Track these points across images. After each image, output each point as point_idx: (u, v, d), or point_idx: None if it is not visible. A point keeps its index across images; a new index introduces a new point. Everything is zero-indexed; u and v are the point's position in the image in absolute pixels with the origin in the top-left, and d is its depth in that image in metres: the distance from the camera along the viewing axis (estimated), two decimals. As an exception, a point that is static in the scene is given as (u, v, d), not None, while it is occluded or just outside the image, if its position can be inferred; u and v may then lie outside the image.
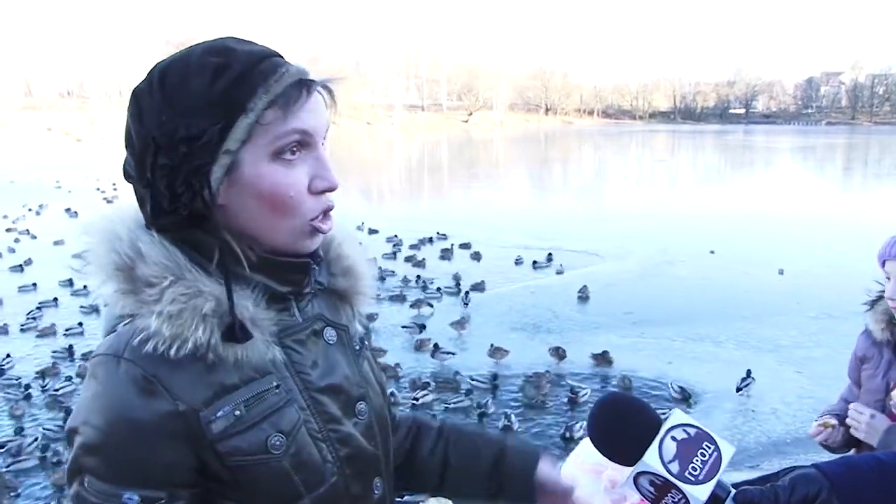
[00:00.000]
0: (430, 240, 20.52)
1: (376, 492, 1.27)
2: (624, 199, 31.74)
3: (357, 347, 1.29)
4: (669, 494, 1.01)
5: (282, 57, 1.10)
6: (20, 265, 17.99)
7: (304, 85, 1.07)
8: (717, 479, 1.01)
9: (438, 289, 15.64)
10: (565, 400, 10.00)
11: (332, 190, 1.13)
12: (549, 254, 18.34)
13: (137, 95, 1.07)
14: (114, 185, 33.08)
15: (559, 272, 17.32)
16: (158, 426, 1.02)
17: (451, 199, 32.70)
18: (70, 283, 15.47)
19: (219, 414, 1.05)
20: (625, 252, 19.31)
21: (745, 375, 10.16)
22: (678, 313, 13.92)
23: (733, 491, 1.03)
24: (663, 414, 1.08)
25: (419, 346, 11.96)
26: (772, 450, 8.78)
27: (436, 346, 11.68)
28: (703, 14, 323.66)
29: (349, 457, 1.19)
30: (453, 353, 11.56)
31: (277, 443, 1.09)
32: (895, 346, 2.43)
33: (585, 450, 1.49)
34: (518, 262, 18.00)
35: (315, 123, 1.09)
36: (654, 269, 17.72)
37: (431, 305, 14.17)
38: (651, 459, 1.02)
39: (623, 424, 1.07)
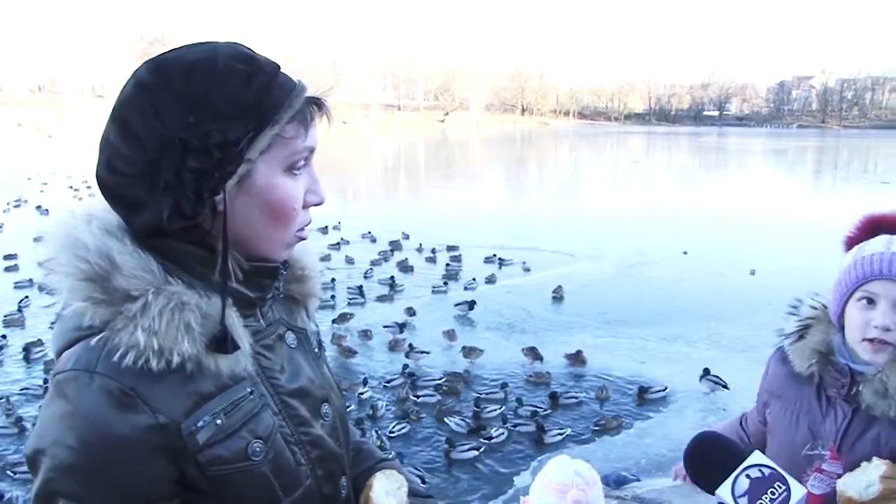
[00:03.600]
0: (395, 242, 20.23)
1: (343, 491, 1.28)
2: (599, 200, 31.93)
3: (316, 350, 1.31)
4: None
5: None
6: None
7: (314, 103, 1.10)
8: None
9: (473, 280, 15.90)
10: (547, 402, 10.03)
11: (320, 205, 1.17)
12: (500, 258, 18.33)
13: (148, 89, 1.02)
14: (85, 182, 32.62)
15: (526, 269, 17.43)
16: (139, 441, 0.98)
17: (427, 199, 32.68)
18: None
19: (199, 424, 1.03)
20: (599, 253, 19.42)
21: (705, 375, 10.32)
22: (652, 313, 14.03)
23: None
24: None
25: (394, 346, 11.95)
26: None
27: (410, 345, 11.69)
28: (678, 17, 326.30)
29: (320, 458, 1.21)
30: (428, 352, 11.56)
31: (258, 449, 1.09)
32: (820, 388, 1.92)
33: (553, 469, 1.53)
34: (489, 261, 18.04)
35: (317, 141, 1.13)
36: (629, 269, 17.85)
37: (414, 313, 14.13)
38: (723, 493, 1.20)
39: (709, 460, 1.28)
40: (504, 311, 14.22)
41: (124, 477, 0.98)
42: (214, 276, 1.07)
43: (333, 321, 12.87)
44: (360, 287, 15.32)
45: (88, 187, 31.16)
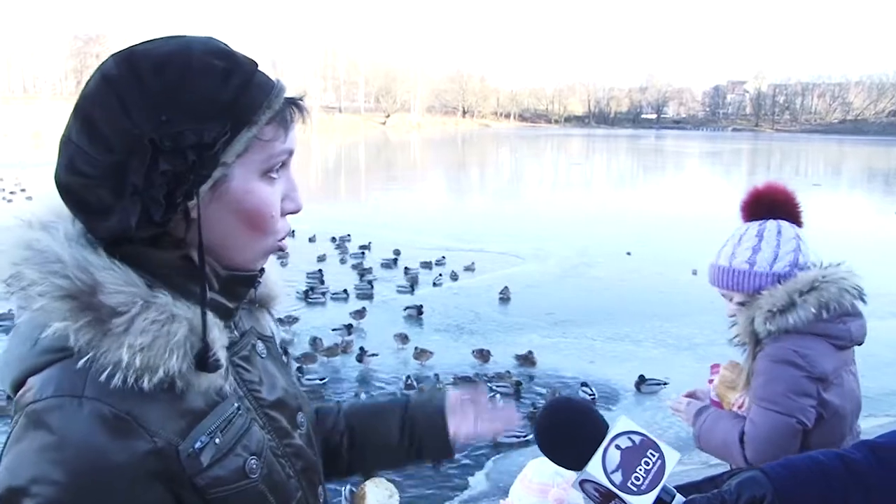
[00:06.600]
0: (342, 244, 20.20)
1: (321, 500, 1.23)
2: (542, 202, 32.20)
3: (283, 357, 1.25)
4: (613, 502, 1.01)
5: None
6: None
7: (293, 104, 1.02)
8: (660, 487, 1.01)
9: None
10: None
11: (297, 212, 1.08)
12: (442, 256, 18.47)
13: (115, 83, 0.92)
14: (19, 185, 31.44)
15: (468, 268, 17.51)
16: (136, 468, 0.90)
17: (369, 202, 32.51)
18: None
19: (197, 445, 0.96)
20: (544, 254, 19.57)
21: (641, 382, 10.55)
22: (598, 313, 14.20)
23: (678, 496, 1.03)
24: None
25: (344, 349, 11.84)
26: (691, 444, 8.98)
27: (361, 348, 11.60)
28: (617, 21, 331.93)
29: (304, 469, 1.16)
30: (376, 355, 11.50)
31: (254, 466, 1.03)
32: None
33: (533, 469, 1.51)
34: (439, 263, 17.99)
35: (295, 144, 1.05)
36: (573, 270, 18.01)
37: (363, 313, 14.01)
38: (594, 469, 1.00)
39: (569, 430, 1.05)
40: (452, 313, 14.23)
41: None
42: (193, 287, 0.99)
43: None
44: (307, 291, 15.21)
45: (23, 190, 30.05)
